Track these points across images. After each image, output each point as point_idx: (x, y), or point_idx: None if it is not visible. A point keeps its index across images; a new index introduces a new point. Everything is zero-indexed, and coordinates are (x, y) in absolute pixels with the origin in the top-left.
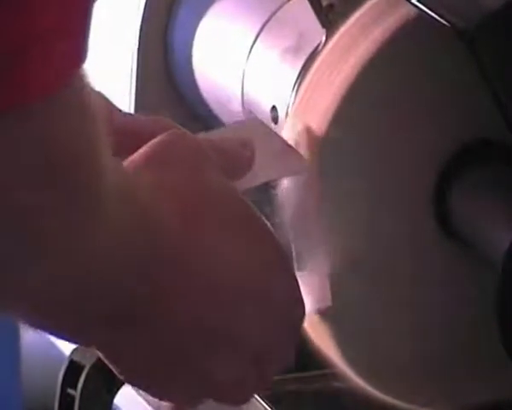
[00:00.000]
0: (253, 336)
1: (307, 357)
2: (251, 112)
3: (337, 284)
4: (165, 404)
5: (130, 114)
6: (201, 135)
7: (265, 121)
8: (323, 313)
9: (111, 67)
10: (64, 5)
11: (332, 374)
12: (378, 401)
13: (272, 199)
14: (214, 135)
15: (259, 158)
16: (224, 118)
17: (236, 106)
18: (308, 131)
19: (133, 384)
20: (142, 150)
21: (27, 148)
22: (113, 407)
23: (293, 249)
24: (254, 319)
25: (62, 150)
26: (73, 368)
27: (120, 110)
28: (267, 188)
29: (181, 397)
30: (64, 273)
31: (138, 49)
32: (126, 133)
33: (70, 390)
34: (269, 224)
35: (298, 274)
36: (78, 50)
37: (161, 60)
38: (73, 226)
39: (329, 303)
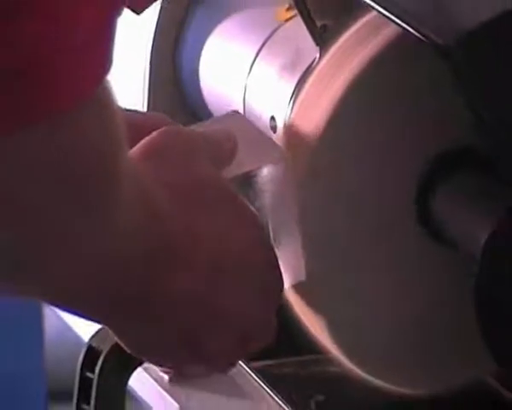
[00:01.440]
0: (240, 306)
1: (303, 343)
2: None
3: (326, 278)
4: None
5: (130, 111)
6: (192, 127)
7: (265, 130)
8: (297, 287)
9: (125, 79)
10: (93, 18)
11: (326, 359)
12: (368, 384)
13: (254, 185)
14: (202, 126)
15: (242, 149)
16: None
17: None
18: (295, 151)
19: (134, 353)
20: (141, 143)
21: (58, 155)
22: (128, 388)
23: (270, 229)
24: (239, 291)
25: (90, 157)
26: (91, 353)
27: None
28: (250, 175)
29: (176, 364)
30: (88, 258)
31: (150, 63)
32: (128, 127)
33: (88, 374)
34: (252, 207)
35: (277, 252)
36: (104, 62)
37: (171, 74)
38: (95, 216)
39: (303, 278)
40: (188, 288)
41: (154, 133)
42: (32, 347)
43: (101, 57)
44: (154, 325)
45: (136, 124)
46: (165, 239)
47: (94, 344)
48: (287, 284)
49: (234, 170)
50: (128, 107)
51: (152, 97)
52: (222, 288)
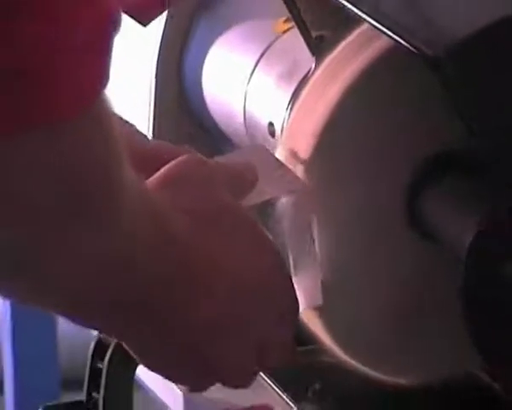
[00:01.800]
0: (255, 327)
1: (300, 335)
2: (251, 126)
3: (323, 277)
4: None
5: (151, 141)
6: (216, 158)
7: (264, 135)
8: (315, 310)
9: (131, 87)
10: (91, 27)
11: (322, 350)
12: (361, 373)
13: (273, 213)
14: (223, 159)
15: (261, 179)
16: (229, 131)
17: (239, 122)
18: (294, 153)
19: (150, 369)
20: (161, 171)
21: (55, 163)
22: (135, 377)
23: (289, 256)
24: (256, 313)
25: (88, 167)
26: (101, 345)
27: (143, 135)
28: (268, 204)
29: (190, 381)
30: (88, 262)
31: (156, 72)
32: (146, 156)
33: (98, 364)
34: (269, 234)
35: (294, 277)
36: (102, 72)
37: (176, 84)
38: (98, 233)
39: (320, 302)
40: (207, 314)
41: (174, 161)
42: (46, 339)
43: (101, 64)
44: (168, 340)
45: (156, 153)
46: (183, 264)
47: (103, 337)
48: (303, 307)
49: (254, 198)
50: (135, 118)
51: (158, 105)
52: (240, 312)
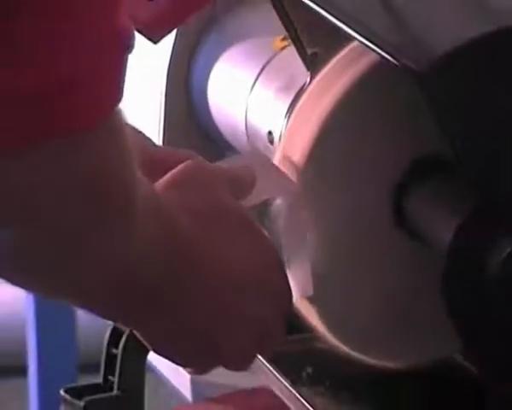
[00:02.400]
0: (254, 315)
1: (295, 323)
2: (252, 135)
3: (316, 270)
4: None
5: (159, 147)
6: (218, 163)
7: (264, 142)
8: (306, 298)
9: (142, 100)
10: (108, 46)
11: (315, 337)
12: (351, 357)
13: (269, 213)
14: (224, 163)
15: (259, 182)
16: (232, 139)
17: (241, 130)
18: (289, 160)
19: (159, 354)
20: (168, 175)
21: (76, 171)
22: (147, 362)
23: (284, 251)
24: (255, 302)
25: (106, 174)
26: (116, 333)
27: (152, 142)
28: (265, 205)
29: (195, 364)
30: (105, 263)
31: (166, 85)
32: (154, 160)
33: (113, 350)
34: (266, 232)
35: (287, 270)
36: (117, 87)
37: (184, 96)
38: (113, 234)
39: (311, 293)
40: (211, 304)
41: (180, 166)
42: (66, 327)
43: (116, 80)
44: (177, 329)
45: (163, 159)
46: (190, 258)
47: (118, 325)
48: (295, 297)
49: (252, 199)
50: (147, 128)
51: (167, 116)
52: (240, 301)
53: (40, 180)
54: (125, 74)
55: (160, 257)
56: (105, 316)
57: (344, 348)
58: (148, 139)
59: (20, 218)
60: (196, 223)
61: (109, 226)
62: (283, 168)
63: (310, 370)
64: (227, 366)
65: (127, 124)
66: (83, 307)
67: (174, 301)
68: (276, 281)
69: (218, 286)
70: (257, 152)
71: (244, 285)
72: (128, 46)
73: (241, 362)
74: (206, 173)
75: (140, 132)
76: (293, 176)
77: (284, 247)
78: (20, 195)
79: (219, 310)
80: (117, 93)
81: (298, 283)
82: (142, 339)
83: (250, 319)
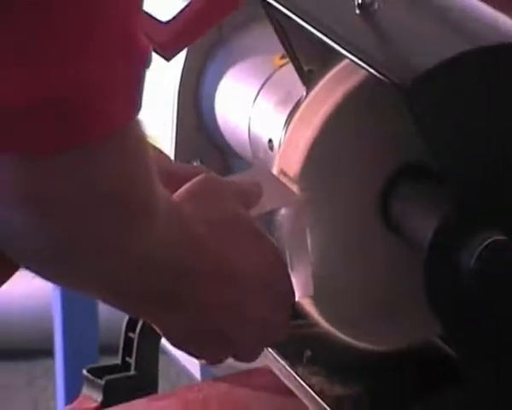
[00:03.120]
0: (262, 313)
1: (295, 310)
2: (254, 143)
3: (315, 269)
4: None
5: (174, 162)
6: (229, 177)
7: (265, 149)
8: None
9: (156, 112)
10: (127, 65)
11: (313, 323)
12: (345, 341)
13: (274, 222)
14: (234, 177)
15: (265, 194)
16: (236, 146)
17: (244, 139)
18: (286, 169)
19: (175, 347)
20: (183, 188)
21: (96, 178)
22: (160, 345)
23: (287, 256)
24: (262, 301)
25: (129, 179)
26: (133, 319)
27: (168, 157)
28: (270, 214)
29: (208, 357)
30: (129, 262)
31: (178, 100)
32: (171, 175)
33: (130, 334)
34: (272, 238)
35: (291, 273)
36: (136, 100)
37: (194, 108)
38: (134, 236)
39: (311, 293)
40: (224, 302)
41: (195, 179)
42: (89, 313)
43: (135, 94)
44: (192, 324)
45: (180, 173)
46: (203, 259)
47: None
48: (298, 296)
49: (259, 209)
50: (160, 132)
51: (179, 128)
52: (248, 299)
53: (65, 185)
54: (143, 88)
55: (178, 257)
56: (125, 310)
57: (337, 334)
58: (164, 154)
59: (49, 221)
60: (210, 230)
61: (131, 229)
62: (282, 177)
63: (309, 353)
64: (237, 359)
65: (147, 134)
66: (104, 301)
67: (190, 300)
68: (281, 282)
69: (229, 286)
70: (262, 167)
71: (253, 286)
72: (146, 62)
73: (249, 355)
74: (218, 186)
75: (156, 148)
76: (293, 187)
77: (288, 252)
78: (49, 201)
79: (231, 309)
80: (135, 105)
81: (300, 284)
82: (159, 332)
83: (258, 316)
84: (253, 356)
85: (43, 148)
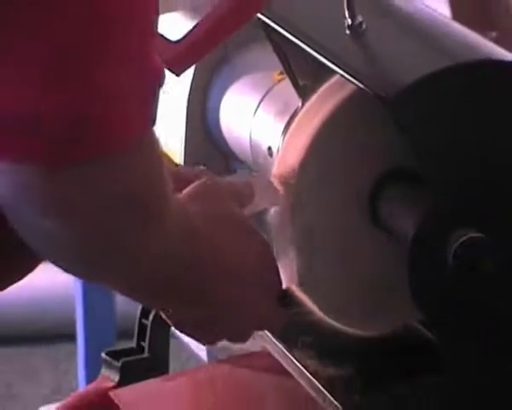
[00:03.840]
0: (255, 299)
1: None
2: (255, 149)
3: (307, 263)
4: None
5: (180, 166)
6: (227, 178)
7: (264, 155)
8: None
9: (168, 124)
10: (143, 82)
11: (308, 311)
12: (336, 328)
13: (265, 219)
14: (231, 178)
15: (258, 195)
16: (239, 153)
17: (246, 146)
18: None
19: (181, 332)
20: (188, 189)
21: (116, 184)
22: (171, 331)
23: (275, 249)
24: (255, 289)
25: (146, 183)
26: (146, 308)
27: (175, 163)
28: (262, 212)
29: (207, 339)
30: (140, 268)
31: (187, 111)
32: (177, 178)
33: (144, 321)
34: (263, 234)
35: (278, 264)
36: (151, 113)
37: (201, 118)
38: (149, 235)
39: (295, 282)
40: (220, 288)
41: (197, 182)
42: (106, 302)
43: (150, 108)
44: (196, 319)
45: (184, 176)
46: (205, 253)
47: None
48: (284, 284)
49: (252, 209)
50: (170, 141)
51: (188, 134)
52: (244, 290)
53: (87, 191)
54: (157, 102)
55: (184, 250)
56: (138, 301)
57: (328, 320)
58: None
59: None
60: (211, 226)
61: (148, 229)
62: (280, 181)
63: (304, 338)
64: (231, 340)
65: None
66: (120, 293)
67: (195, 290)
68: (271, 272)
69: (229, 276)
70: (259, 174)
71: (247, 275)
72: (160, 80)
73: (242, 337)
74: (217, 188)
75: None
76: (285, 189)
77: (275, 245)
78: (72, 205)
79: (230, 296)
80: (150, 117)
81: (286, 273)
82: (167, 320)
83: (252, 301)
84: (245, 338)
85: (66, 158)
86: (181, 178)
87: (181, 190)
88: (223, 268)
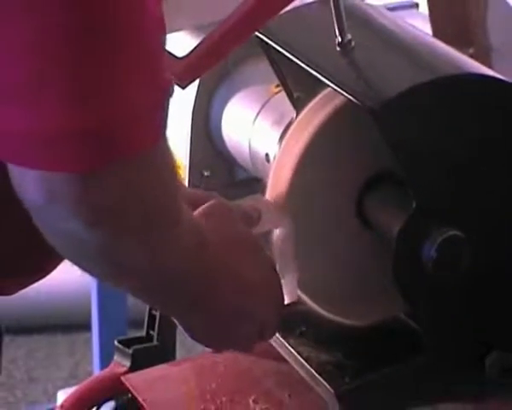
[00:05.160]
0: (259, 313)
1: None
2: (254, 156)
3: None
4: None
5: (190, 189)
6: (236, 201)
7: (262, 161)
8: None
9: (174, 133)
10: (155, 95)
11: (304, 303)
12: (329, 318)
13: (270, 239)
14: (239, 202)
15: (263, 217)
16: (239, 159)
17: (246, 152)
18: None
19: (192, 338)
20: (198, 210)
21: (139, 186)
22: None
23: (279, 267)
24: (260, 303)
25: (160, 190)
26: None
27: (184, 185)
28: (267, 233)
29: (213, 346)
30: (152, 274)
31: (191, 122)
32: (188, 199)
33: (153, 312)
34: (268, 252)
35: (281, 280)
36: (162, 123)
37: (205, 128)
38: (163, 240)
39: (296, 298)
40: (230, 301)
41: (208, 203)
42: (119, 295)
43: (161, 118)
44: (207, 324)
45: (196, 198)
46: (214, 266)
47: None
48: (286, 300)
49: (258, 229)
50: (176, 149)
51: (193, 142)
52: (251, 302)
53: (114, 192)
54: (168, 112)
55: (195, 262)
56: (150, 305)
57: (323, 312)
58: (182, 184)
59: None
60: (222, 241)
61: (159, 234)
62: (276, 187)
63: (301, 328)
64: (236, 349)
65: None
66: (134, 295)
67: (207, 302)
68: (274, 288)
69: (237, 290)
70: (261, 196)
71: (253, 290)
72: (169, 92)
73: (247, 347)
74: (227, 210)
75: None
76: (284, 209)
77: (279, 264)
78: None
79: (237, 308)
80: (162, 127)
81: (287, 290)
82: (179, 326)
83: (256, 315)
84: (249, 349)
85: (94, 165)
86: (193, 198)
87: (193, 211)
88: (234, 283)
